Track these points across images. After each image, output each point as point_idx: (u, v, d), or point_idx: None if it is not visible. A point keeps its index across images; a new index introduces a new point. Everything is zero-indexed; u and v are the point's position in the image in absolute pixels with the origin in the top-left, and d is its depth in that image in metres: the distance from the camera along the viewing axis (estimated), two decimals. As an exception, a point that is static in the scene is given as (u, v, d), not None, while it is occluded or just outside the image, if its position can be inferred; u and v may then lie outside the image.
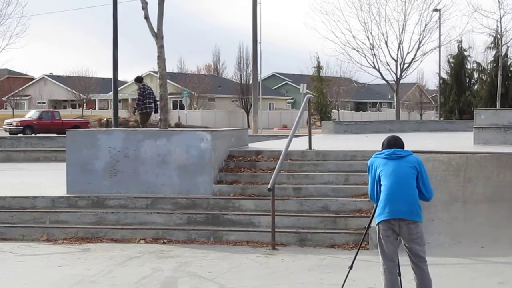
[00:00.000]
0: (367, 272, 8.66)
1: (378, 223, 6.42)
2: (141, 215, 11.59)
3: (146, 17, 21.16)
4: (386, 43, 42.29)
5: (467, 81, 59.05)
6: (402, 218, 6.33)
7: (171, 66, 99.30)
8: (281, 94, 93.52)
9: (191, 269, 9.13)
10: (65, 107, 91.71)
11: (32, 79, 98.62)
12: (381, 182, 6.46)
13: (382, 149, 6.70)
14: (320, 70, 68.24)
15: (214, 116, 73.53)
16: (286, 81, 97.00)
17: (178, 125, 65.05)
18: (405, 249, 6.50)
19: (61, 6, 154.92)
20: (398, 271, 6.55)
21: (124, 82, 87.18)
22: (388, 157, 6.52)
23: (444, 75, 58.66)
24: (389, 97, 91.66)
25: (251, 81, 53.32)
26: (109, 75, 69.53)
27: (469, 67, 59.50)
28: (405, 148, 6.71)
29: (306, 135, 14.18)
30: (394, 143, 6.67)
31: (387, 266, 6.39)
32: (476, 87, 58.73)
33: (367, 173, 6.75)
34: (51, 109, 53.55)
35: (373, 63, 42.36)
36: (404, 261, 6.58)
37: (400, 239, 6.46)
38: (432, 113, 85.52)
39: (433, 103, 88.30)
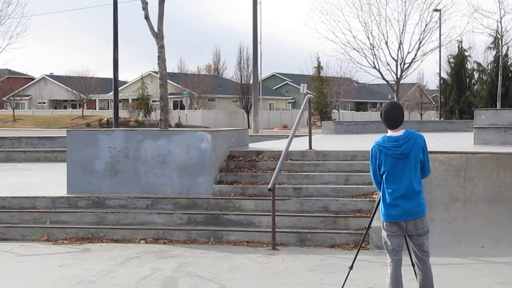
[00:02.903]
0: (367, 272, 8.67)
1: (384, 221, 6.37)
2: (142, 215, 11.59)
3: (147, 17, 21.20)
4: (386, 43, 42.27)
5: (468, 81, 59.04)
6: (409, 219, 6.31)
7: (172, 66, 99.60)
8: (282, 94, 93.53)
9: (191, 269, 9.13)
10: (65, 107, 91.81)
11: (32, 79, 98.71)
12: (385, 180, 6.35)
13: (382, 120, 6.42)
14: (321, 70, 68.28)
15: (215, 116, 73.57)
16: (287, 81, 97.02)
17: (178, 125, 65.13)
18: (410, 244, 6.47)
19: (61, 6, 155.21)
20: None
21: (125, 82, 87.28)
22: (395, 156, 6.29)
23: (444, 75, 58.66)
24: (390, 97, 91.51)
25: (251, 81, 53.35)
26: (110, 75, 69.84)
27: (469, 67, 59.50)
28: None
29: (307, 135, 14.18)
30: (392, 121, 6.31)
31: (392, 260, 6.39)
32: (476, 87, 58.72)
33: (369, 162, 6.60)
34: None
35: (374, 63, 42.33)
36: (404, 261, 6.58)
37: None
38: (433, 113, 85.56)
39: (434, 103, 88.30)
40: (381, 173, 6.40)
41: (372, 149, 6.50)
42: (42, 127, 68.85)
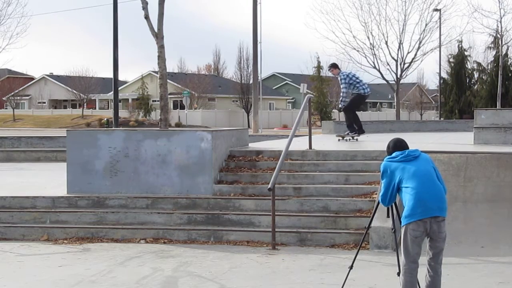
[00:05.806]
0: (367, 272, 8.67)
1: (408, 224, 6.39)
2: (142, 215, 11.59)
3: (147, 17, 21.18)
4: (386, 43, 42.41)
5: (468, 81, 59.07)
6: (434, 216, 6.38)
7: (172, 66, 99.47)
8: (282, 94, 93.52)
9: (191, 269, 9.13)
10: (65, 107, 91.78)
11: (32, 79, 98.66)
12: (405, 185, 6.46)
13: (389, 152, 6.68)
14: (321, 70, 68.26)
15: (215, 116, 73.58)
16: (287, 81, 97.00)
17: (178, 125, 65.14)
18: (428, 250, 6.51)
19: (62, 6, 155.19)
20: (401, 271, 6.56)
21: (125, 82, 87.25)
22: (405, 159, 6.55)
23: (444, 75, 58.71)
24: (390, 97, 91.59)
25: (251, 81, 53.37)
26: (110, 75, 69.69)
27: (469, 67, 59.54)
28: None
29: (307, 135, 14.18)
30: (401, 146, 6.71)
31: (408, 267, 6.41)
32: (476, 87, 58.76)
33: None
34: None
35: (374, 63, 42.45)
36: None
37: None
38: (433, 113, 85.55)
39: (434, 103, 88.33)
40: (397, 182, 6.51)
41: (382, 166, 6.66)
42: (42, 127, 68.86)
